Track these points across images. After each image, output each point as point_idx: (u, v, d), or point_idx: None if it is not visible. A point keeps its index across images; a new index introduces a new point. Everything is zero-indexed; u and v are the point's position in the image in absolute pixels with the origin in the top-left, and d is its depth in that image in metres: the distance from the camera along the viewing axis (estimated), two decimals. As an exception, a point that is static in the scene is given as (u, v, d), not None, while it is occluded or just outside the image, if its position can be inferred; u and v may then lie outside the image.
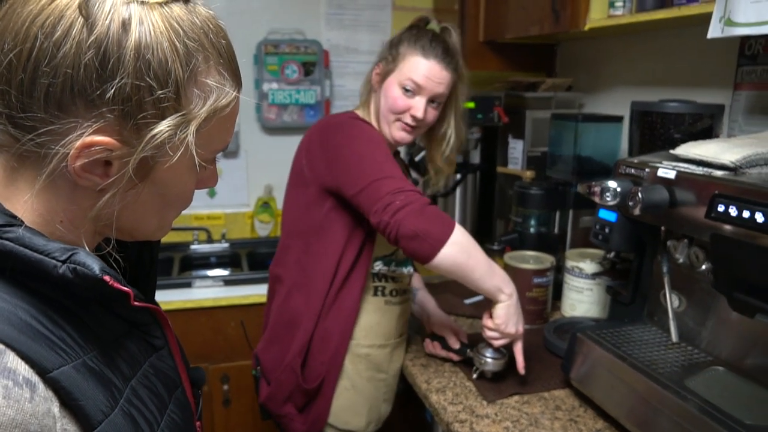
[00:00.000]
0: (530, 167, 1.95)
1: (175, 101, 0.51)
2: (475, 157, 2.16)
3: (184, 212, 2.59)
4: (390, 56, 1.29)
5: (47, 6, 0.48)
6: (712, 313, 1.07)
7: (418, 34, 1.28)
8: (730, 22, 1.13)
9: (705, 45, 1.52)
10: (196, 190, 0.61)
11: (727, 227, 0.88)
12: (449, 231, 1.09)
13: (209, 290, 1.88)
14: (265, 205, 2.37)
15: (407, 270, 1.36)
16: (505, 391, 1.21)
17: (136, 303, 0.55)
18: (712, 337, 1.07)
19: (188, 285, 1.90)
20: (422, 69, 1.25)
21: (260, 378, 1.37)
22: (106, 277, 0.51)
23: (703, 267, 1.03)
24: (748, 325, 0.99)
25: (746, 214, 0.84)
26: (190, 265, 2.22)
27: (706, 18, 1.19)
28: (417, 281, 1.55)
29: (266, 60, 2.23)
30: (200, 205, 2.35)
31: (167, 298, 1.82)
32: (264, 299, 1.46)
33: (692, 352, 1.08)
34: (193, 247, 2.25)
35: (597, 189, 1.08)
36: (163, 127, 0.50)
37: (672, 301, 1.10)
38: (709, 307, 1.07)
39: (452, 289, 1.75)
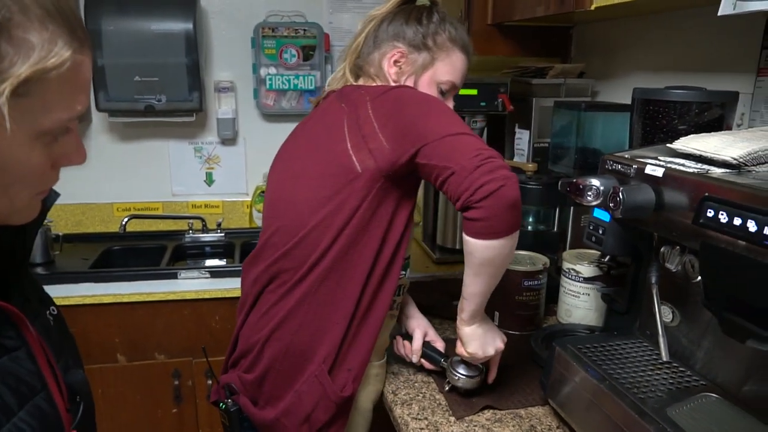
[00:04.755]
0: (536, 159, 1.82)
1: None
2: (481, 148, 2.04)
3: (180, 199, 2.46)
4: (426, 45, 1.11)
5: None
6: (709, 331, 0.94)
7: (451, 22, 1.13)
8: (743, -3, 0.99)
9: (727, 26, 1.36)
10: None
11: (719, 236, 0.75)
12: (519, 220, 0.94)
13: (195, 282, 1.82)
14: (263, 194, 2.30)
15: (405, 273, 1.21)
16: (477, 405, 1.10)
17: None
18: (707, 359, 0.94)
19: (174, 276, 1.85)
20: (462, 69, 1.14)
21: (236, 408, 1.12)
22: None
23: (699, 278, 0.90)
24: (749, 348, 0.86)
25: (737, 221, 0.71)
26: (183, 254, 2.17)
27: (721, -6, 1.05)
28: None
29: (264, 43, 2.14)
30: (198, 193, 2.30)
31: (152, 289, 1.77)
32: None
33: (684, 374, 0.95)
34: (187, 236, 2.19)
35: (578, 187, 0.95)
36: None
37: (662, 314, 0.97)
38: (705, 323, 0.94)
39: (444, 288, 1.65)
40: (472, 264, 0.97)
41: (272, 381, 1.09)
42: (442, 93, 1.14)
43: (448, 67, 1.12)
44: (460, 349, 1.08)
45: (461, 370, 1.11)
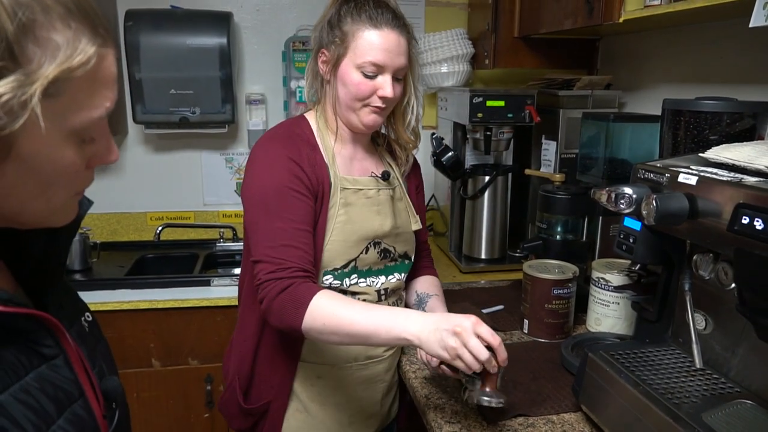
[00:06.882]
0: (563, 170, 1.84)
1: (9, 59, 0.45)
2: (508, 159, 2.06)
3: (211, 209, 2.60)
4: (335, 38, 1.14)
5: None
6: (743, 339, 0.94)
7: (356, 3, 1.14)
8: (774, 9, 1.00)
9: (757, 38, 1.37)
10: (110, 167, 0.58)
11: (754, 242, 0.77)
12: (299, 320, 1.04)
13: (227, 289, 1.87)
14: (292, 204, 2.34)
15: (383, 279, 1.27)
16: (509, 411, 1.11)
17: (2, 308, 0.50)
18: (742, 366, 0.95)
19: (207, 283, 1.90)
20: (378, 43, 1.12)
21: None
22: None
23: (732, 285, 0.91)
24: (782, 355, 0.86)
25: (773, 227, 0.72)
26: (214, 263, 2.22)
27: (751, 6, 1.06)
28: (433, 287, 1.46)
29: (294, 57, 2.20)
30: (229, 203, 2.35)
31: (186, 296, 1.82)
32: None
33: (718, 381, 0.95)
34: (218, 245, 2.24)
35: (611, 195, 0.97)
36: (1, 89, 0.45)
37: (696, 321, 0.98)
38: (739, 330, 0.95)
39: (471, 298, 1.66)
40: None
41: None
42: (369, 76, 1.14)
43: (360, 50, 1.12)
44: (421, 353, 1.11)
45: (483, 394, 0.99)
